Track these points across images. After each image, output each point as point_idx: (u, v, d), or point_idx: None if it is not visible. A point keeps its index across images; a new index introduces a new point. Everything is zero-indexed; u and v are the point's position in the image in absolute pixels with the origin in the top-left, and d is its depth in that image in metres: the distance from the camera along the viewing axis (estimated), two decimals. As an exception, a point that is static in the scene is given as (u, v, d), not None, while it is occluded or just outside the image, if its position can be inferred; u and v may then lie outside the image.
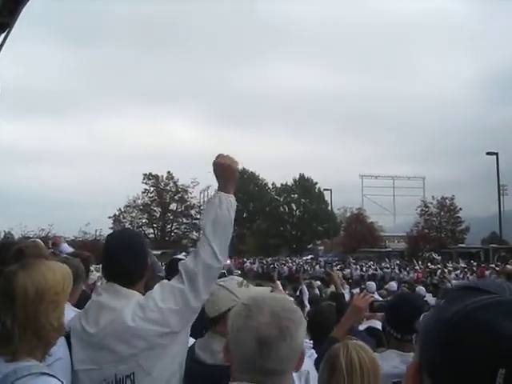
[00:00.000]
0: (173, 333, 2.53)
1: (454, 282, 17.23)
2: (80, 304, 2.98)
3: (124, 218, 70.13)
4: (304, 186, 70.61)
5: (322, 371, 2.69)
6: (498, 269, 22.22)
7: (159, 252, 32.88)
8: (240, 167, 2.81)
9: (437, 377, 0.94)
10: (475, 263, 33.46)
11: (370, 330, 5.69)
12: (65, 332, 2.40)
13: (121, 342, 2.49)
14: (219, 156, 2.75)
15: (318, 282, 14.24)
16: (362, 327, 5.91)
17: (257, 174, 74.51)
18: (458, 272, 28.53)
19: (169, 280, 2.70)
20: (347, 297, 6.76)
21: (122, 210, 70.26)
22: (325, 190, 66.10)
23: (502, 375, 0.84)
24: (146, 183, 71.24)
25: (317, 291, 11.90)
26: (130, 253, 2.73)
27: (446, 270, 28.15)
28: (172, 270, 4.94)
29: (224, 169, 2.72)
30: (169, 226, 72.42)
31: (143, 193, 71.17)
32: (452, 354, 0.90)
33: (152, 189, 71.48)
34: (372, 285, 14.58)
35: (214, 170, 2.74)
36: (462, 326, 0.91)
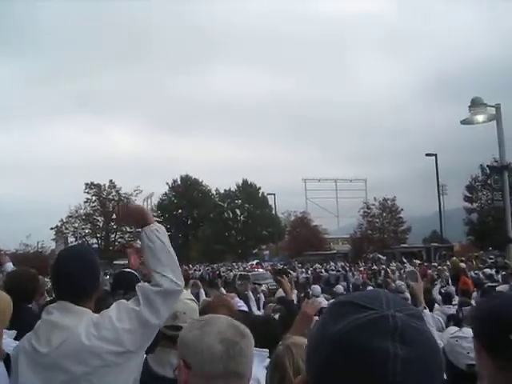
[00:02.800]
0: (128, 352, 2.47)
1: (398, 282, 17.40)
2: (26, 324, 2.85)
3: (66, 228, 69.08)
4: (248, 191, 70.69)
5: (270, 376, 2.67)
6: (439, 267, 22.55)
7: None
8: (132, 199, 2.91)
9: None
10: (418, 262, 33.97)
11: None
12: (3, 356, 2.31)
13: (75, 361, 2.40)
14: (117, 209, 2.94)
15: (263, 287, 14.19)
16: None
17: (200, 180, 74.38)
18: (402, 272, 28.93)
19: (114, 292, 2.64)
20: (295, 300, 6.72)
21: (64, 220, 69.17)
22: (268, 194, 66.42)
23: None
24: (88, 193, 70.35)
25: (262, 296, 11.79)
26: (82, 270, 2.66)
27: (389, 270, 28.46)
28: (119, 284, 4.79)
29: (127, 217, 2.84)
30: (112, 236, 71.62)
31: (85, 202, 70.35)
32: (335, 373, 0.93)
33: (94, 198, 70.60)
34: (317, 288, 14.68)
35: (124, 223, 2.83)
36: (342, 345, 0.93)
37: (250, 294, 10.79)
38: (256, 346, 4.47)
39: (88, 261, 2.74)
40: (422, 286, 5.94)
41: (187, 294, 3.21)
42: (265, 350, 4.28)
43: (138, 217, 2.75)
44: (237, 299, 9.21)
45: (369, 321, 0.93)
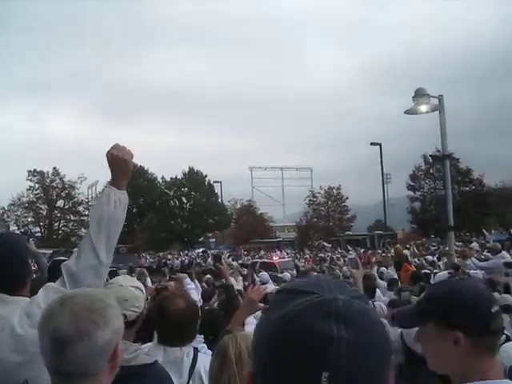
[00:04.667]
0: None
1: (344, 268, 17.63)
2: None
3: (8, 217, 67.53)
4: (194, 179, 70.33)
5: (212, 362, 2.70)
6: (383, 254, 22.95)
7: (50, 251, 31.71)
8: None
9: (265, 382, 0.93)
10: (362, 250, 34.50)
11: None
12: None
13: (12, 351, 2.37)
14: (115, 147, 2.60)
15: (208, 276, 14.16)
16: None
17: (146, 167, 73.67)
18: (346, 259, 29.29)
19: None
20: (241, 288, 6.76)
21: (6, 208, 67.63)
22: (215, 182, 66.41)
23: (326, 378, 0.85)
24: (30, 180, 68.79)
25: (204, 285, 11.79)
26: (14, 259, 2.60)
27: (334, 257, 28.79)
28: (54, 273, 4.73)
29: (119, 162, 2.59)
30: (56, 224, 70.34)
31: (28, 190, 68.69)
32: (279, 361, 0.90)
33: (37, 186, 69.10)
34: (265, 275, 14.73)
35: (109, 162, 2.59)
36: (284, 332, 0.91)
37: (196, 282, 10.72)
38: (202, 334, 4.54)
39: (18, 249, 2.69)
40: (362, 273, 6.06)
41: (133, 281, 3.18)
42: (200, 336, 4.34)
43: (120, 172, 2.61)
44: (187, 280, 9.21)
45: (310, 305, 0.92)
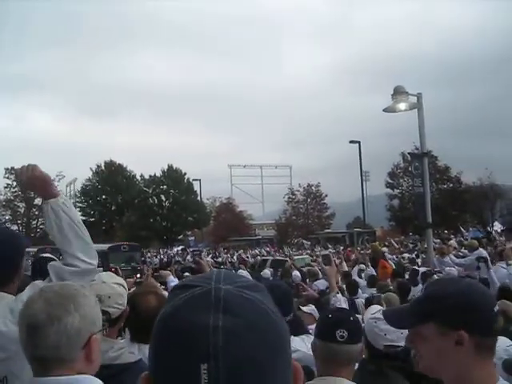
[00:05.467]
0: None
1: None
2: None
3: (-15, 215, 66.90)
4: (173, 176, 70.03)
5: None
6: (362, 251, 23.06)
7: (35, 249, 31.42)
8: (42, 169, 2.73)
9: (156, 382, 0.91)
10: (341, 247, 34.66)
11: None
12: None
13: None
14: (17, 172, 2.67)
15: (187, 273, 14.13)
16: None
17: (124, 165, 73.24)
18: (320, 255, 29.29)
19: (34, 279, 2.59)
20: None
21: (-17, 206, 66.98)
22: (194, 180, 66.09)
23: (205, 370, 0.83)
24: (7, 178, 68.06)
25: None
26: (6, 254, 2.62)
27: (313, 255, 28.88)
28: (37, 270, 4.69)
29: (32, 180, 2.63)
30: (34, 222, 69.72)
31: (5, 188, 68.01)
32: (162, 358, 0.89)
33: (15, 184, 68.44)
34: (243, 273, 14.76)
35: (26, 187, 2.70)
36: (162, 329, 0.91)
37: (176, 280, 10.67)
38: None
39: (2, 244, 2.67)
40: (335, 270, 6.07)
41: (116, 278, 3.17)
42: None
43: (41, 186, 2.64)
44: (171, 277, 9.19)
45: (190, 298, 0.90)
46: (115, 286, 2.99)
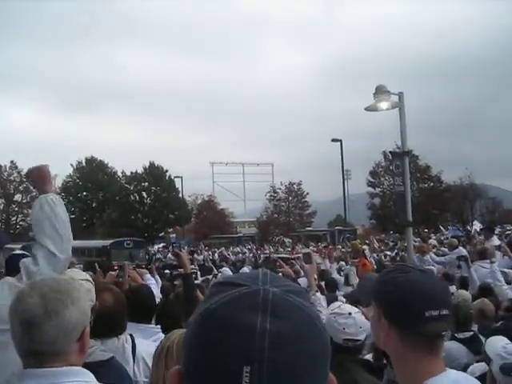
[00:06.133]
0: None
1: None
2: None
3: (-37, 211, 66.34)
4: (154, 173, 69.80)
5: (155, 353, 2.76)
6: (343, 249, 23.12)
7: (19, 245, 31.12)
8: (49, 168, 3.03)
9: (194, 381, 0.88)
10: (323, 245, 34.75)
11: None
12: None
13: None
14: (29, 170, 3.03)
15: (167, 271, 14.14)
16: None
17: (106, 162, 72.91)
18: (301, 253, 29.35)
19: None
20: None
21: (-39, 203, 66.39)
22: (175, 177, 65.90)
23: (248, 373, 0.81)
24: (-14, 174, 67.55)
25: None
26: None
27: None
28: (11, 268, 4.66)
29: (36, 175, 2.93)
30: (14, 218, 69.22)
31: (-17, 184, 67.45)
32: (203, 355, 0.86)
33: (-6, 180, 67.92)
34: (227, 271, 14.79)
35: (30, 181, 3.00)
36: (206, 325, 0.88)
37: (157, 277, 10.67)
38: (160, 324, 4.58)
39: None
40: (315, 269, 6.09)
41: (82, 274, 3.18)
42: (157, 326, 4.35)
43: (40, 179, 2.85)
44: (148, 276, 9.19)
45: (237, 296, 0.88)
46: (83, 283, 3.00)
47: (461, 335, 5.14)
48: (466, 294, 7.79)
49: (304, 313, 0.89)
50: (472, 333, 5.19)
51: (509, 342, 3.61)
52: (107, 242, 32.41)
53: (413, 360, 1.78)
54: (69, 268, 3.00)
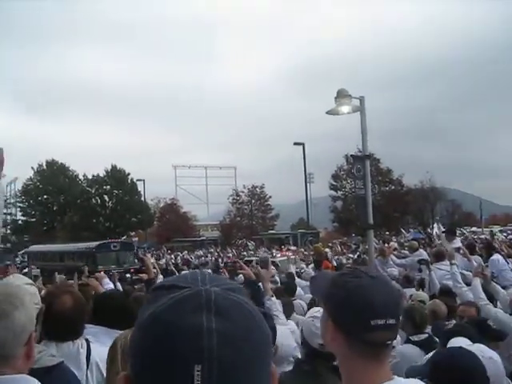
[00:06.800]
0: None
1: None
2: None
3: None
4: (116, 176, 69.13)
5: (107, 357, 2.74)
6: (305, 252, 23.21)
7: None
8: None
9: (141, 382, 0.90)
10: (285, 248, 34.88)
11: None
12: None
13: None
14: None
15: (128, 275, 14.06)
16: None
17: (67, 165, 72.05)
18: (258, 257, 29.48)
19: None
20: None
21: None
22: (138, 180, 65.43)
23: (199, 371, 0.83)
24: None
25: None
26: None
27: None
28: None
29: None
30: (-26, 224, 68.02)
31: None
32: (152, 358, 0.88)
33: None
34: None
35: None
36: (153, 328, 0.89)
37: (118, 284, 10.55)
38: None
39: None
40: (270, 274, 6.13)
41: (25, 278, 3.13)
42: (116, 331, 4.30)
43: None
44: (106, 280, 9.12)
45: (180, 299, 0.90)
46: (27, 287, 2.95)
47: (415, 338, 5.21)
48: (422, 295, 7.88)
49: (244, 309, 0.92)
50: (427, 335, 5.26)
51: (470, 343, 3.66)
52: (92, 245, 30.65)
53: (359, 366, 1.78)
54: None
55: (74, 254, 30.68)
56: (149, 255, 35.52)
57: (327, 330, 1.85)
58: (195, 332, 0.86)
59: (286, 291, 9.32)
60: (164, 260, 33.79)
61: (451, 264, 8.13)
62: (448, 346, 3.70)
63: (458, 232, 26.86)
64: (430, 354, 3.69)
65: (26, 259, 41.49)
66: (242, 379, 0.87)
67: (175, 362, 0.85)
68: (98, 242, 31.69)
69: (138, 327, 0.92)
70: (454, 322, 5.54)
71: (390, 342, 1.82)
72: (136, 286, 10.63)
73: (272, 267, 13.46)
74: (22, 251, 48.32)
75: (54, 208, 70.45)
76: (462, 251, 10.39)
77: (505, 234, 32.46)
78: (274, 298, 5.41)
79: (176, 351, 0.85)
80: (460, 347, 3.26)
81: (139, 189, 67.34)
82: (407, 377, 3.22)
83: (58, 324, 3.27)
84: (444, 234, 15.44)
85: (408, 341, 5.30)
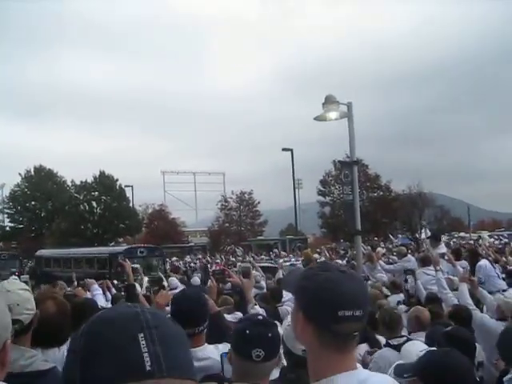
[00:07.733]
0: None
1: (254, 272, 17.81)
2: None
3: None
4: (104, 183, 68.86)
5: None
6: (294, 258, 23.27)
7: None
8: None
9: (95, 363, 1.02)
10: (273, 254, 34.85)
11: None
12: None
13: None
14: None
15: (115, 281, 14.00)
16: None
17: (55, 171, 71.77)
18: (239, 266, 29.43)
19: None
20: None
21: None
22: (126, 186, 65.24)
23: (143, 337, 1.01)
24: None
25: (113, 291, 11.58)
26: None
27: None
28: None
29: None
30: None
31: None
32: (96, 341, 1.03)
33: None
34: (174, 280, 14.76)
35: None
36: (95, 323, 1.07)
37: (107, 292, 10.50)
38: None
39: None
40: (252, 284, 6.15)
41: (20, 284, 3.10)
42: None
43: None
44: (95, 286, 9.07)
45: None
46: (21, 293, 2.90)
47: (394, 341, 5.33)
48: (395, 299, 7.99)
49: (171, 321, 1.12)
50: (405, 338, 5.33)
51: (426, 348, 3.70)
52: (117, 250, 29.61)
53: (324, 356, 1.84)
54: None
55: (92, 260, 29.32)
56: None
57: (298, 321, 1.90)
58: (132, 313, 1.05)
59: (272, 297, 9.29)
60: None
61: (436, 270, 8.18)
62: (402, 350, 3.75)
63: (446, 237, 27.01)
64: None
65: (33, 265, 39.49)
66: (178, 342, 1.06)
67: (120, 336, 1.00)
68: (124, 247, 30.97)
69: (80, 335, 1.07)
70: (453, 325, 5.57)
71: (356, 333, 1.86)
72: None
73: (257, 273, 13.49)
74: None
75: (42, 214, 70.11)
76: (446, 257, 10.47)
77: (492, 240, 32.57)
78: (257, 307, 5.41)
79: (119, 329, 1.02)
80: (451, 349, 3.30)
81: (127, 195, 67.17)
82: (396, 374, 3.26)
83: (42, 330, 3.25)
84: (429, 240, 15.47)
85: (387, 344, 5.37)
